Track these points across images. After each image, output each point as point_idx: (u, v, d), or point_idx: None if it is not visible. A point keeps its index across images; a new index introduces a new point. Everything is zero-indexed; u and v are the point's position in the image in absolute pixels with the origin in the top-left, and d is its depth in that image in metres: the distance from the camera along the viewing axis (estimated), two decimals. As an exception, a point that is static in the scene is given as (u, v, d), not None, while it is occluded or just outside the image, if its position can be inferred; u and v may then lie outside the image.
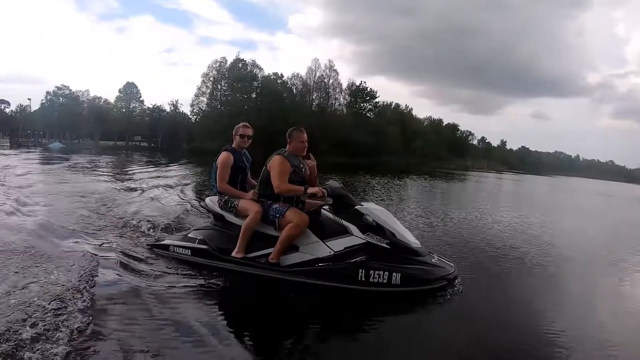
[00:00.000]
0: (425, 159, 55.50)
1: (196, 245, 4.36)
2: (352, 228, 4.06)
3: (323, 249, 4.05)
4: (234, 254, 4.10)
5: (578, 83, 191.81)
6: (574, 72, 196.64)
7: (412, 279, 3.96)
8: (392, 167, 35.20)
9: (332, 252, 4.02)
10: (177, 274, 4.00)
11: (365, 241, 4.01)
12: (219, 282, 3.90)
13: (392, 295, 3.88)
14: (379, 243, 4.03)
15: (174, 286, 3.68)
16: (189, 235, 4.58)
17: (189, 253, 4.34)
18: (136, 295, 3.38)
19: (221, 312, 3.39)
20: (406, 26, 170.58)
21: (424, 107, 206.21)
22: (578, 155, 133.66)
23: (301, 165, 4.27)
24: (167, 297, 3.46)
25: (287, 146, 4.21)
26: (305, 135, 4.24)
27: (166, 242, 4.57)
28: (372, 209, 4.29)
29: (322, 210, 4.36)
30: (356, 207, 4.19)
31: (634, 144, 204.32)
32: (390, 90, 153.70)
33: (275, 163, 4.04)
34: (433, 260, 4.29)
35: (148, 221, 5.69)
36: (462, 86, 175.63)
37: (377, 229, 4.10)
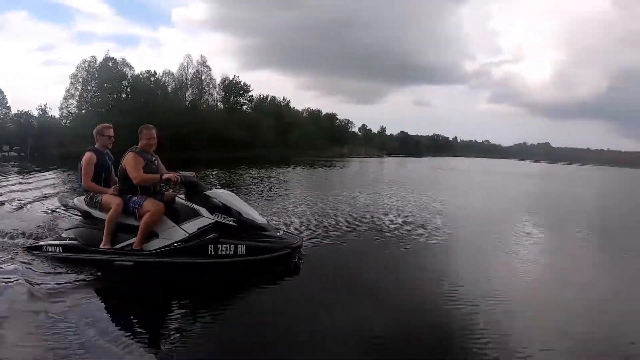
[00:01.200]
0: (302, 150, 59.54)
1: (67, 242, 4.78)
2: (202, 210, 4.64)
3: (179, 232, 4.60)
4: (101, 246, 4.55)
5: (457, 71, 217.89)
6: (453, 61, 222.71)
7: (256, 249, 4.67)
8: (265, 159, 37.49)
9: (187, 234, 4.57)
10: (58, 272, 4.40)
11: (214, 221, 4.60)
12: (93, 275, 4.32)
13: (248, 266, 4.61)
14: (226, 222, 4.65)
15: (62, 285, 4.09)
16: (62, 235, 5.06)
17: (61, 250, 4.75)
18: (29, 298, 3.77)
19: (102, 305, 3.81)
20: (291, 19, 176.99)
21: (309, 99, 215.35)
22: (456, 137, 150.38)
23: (153, 159, 4.83)
24: (55, 295, 3.84)
25: (139, 142, 4.75)
26: (154, 131, 4.79)
27: (40, 243, 4.97)
28: (219, 192, 4.96)
29: (176, 198, 4.91)
30: (205, 192, 4.82)
31: (508, 125, 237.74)
32: (275, 83, 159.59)
33: (129, 159, 4.56)
34: (278, 234, 5.07)
35: (21, 230, 6.00)
36: (347, 77, 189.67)
37: (225, 209, 4.74)
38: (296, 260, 5.21)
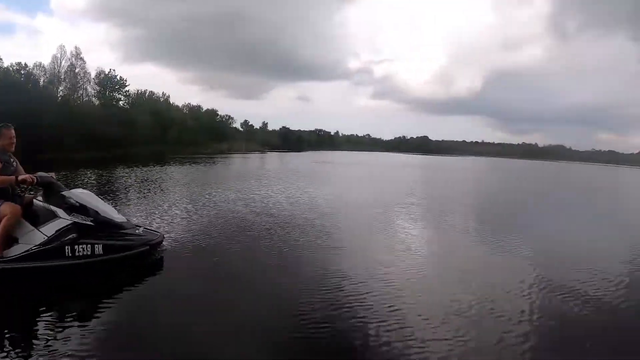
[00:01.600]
0: (181, 147, 60.02)
1: None
2: (60, 211, 4.73)
3: (38, 236, 4.66)
4: None
5: (340, 68, 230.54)
6: (337, 58, 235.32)
7: (114, 248, 4.85)
8: (141, 158, 38.11)
9: (46, 237, 4.64)
10: None
11: (72, 222, 4.73)
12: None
13: (107, 265, 4.82)
14: (83, 222, 4.79)
15: None
16: None
17: None
18: None
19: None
20: (176, 10, 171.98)
21: (192, 94, 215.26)
22: (338, 132, 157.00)
23: (11, 160, 4.84)
24: None
25: None
26: (13, 131, 4.82)
27: None
28: (76, 192, 5.15)
29: (34, 200, 4.99)
30: (62, 192, 4.93)
31: (389, 120, 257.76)
32: (158, 77, 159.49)
33: None
34: (137, 231, 5.34)
35: None
36: (231, 72, 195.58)
37: (82, 209, 4.89)
38: (157, 256, 5.46)
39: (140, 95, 67.37)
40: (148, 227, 6.28)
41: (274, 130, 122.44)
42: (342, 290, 5.05)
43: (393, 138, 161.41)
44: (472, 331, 4.13)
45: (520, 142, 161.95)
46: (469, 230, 9.94)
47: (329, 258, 6.58)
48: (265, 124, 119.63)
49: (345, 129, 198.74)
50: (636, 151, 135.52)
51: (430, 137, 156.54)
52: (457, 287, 5.52)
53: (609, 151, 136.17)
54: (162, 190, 14.47)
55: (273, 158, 51.28)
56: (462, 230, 9.79)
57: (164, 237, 5.86)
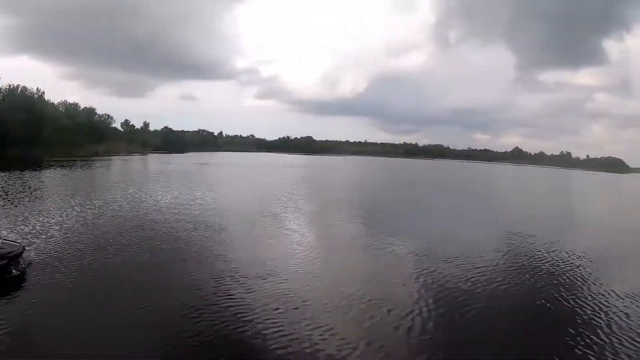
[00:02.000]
0: (56, 148, 58.10)
1: None
2: None
3: None
4: None
5: (227, 67, 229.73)
6: (224, 57, 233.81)
7: None
8: (11, 160, 37.52)
9: None
10: None
11: None
12: None
13: None
14: None
15: None
16: None
17: None
18: None
19: None
20: None
21: (71, 91, 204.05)
22: (222, 132, 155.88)
23: None
24: None
25: None
26: None
27: None
28: None
29: None
30: None
31: (274, 120, 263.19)
32: (34, 71, 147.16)
33: None
34: None
35: None
36: (114, 68, 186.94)
37: None
38: (19, 269, 5.27)
39: (12, 90, 62.82)
40: (6, 239, 6.00)
41: (156, 131, 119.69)
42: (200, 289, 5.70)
43: (277, 138, 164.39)
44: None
45: (402, 142, 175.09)
46: (330, 231, 12.28)
47: (183, 262, 7.23)
48: (146, 124, 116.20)
49: (230, 130, 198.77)
50: (508, 150, 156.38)
51: (314, 138, 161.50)
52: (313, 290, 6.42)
53: (484, 150, 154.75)
54: (23, 199, 14.39)
55: (153, 160, 51.62)
56: (319, 232, 12.03)
57: (24, 249, 5.63)
